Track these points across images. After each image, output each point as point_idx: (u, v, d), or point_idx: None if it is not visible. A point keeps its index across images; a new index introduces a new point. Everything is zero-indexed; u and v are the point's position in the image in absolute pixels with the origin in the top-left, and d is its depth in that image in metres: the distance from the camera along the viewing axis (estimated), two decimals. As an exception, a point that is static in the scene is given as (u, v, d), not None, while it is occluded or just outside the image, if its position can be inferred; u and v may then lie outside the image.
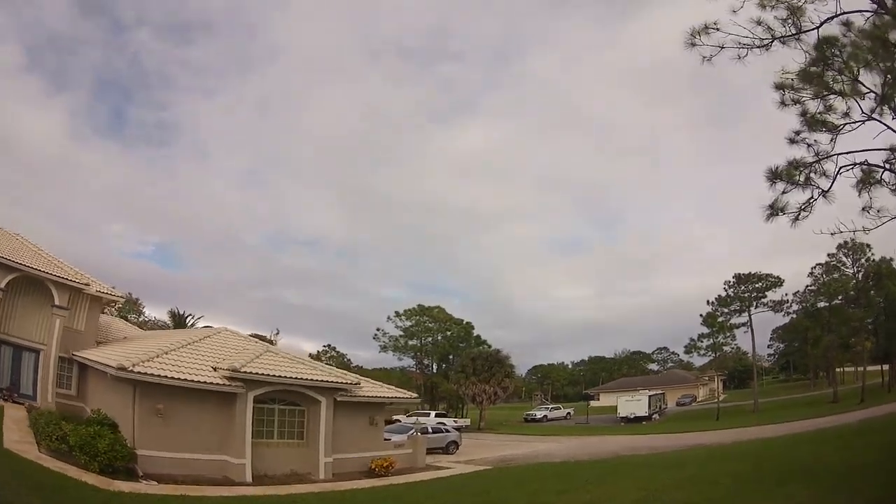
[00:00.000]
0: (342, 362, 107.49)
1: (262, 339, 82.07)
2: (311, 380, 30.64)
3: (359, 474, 31.04)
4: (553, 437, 62.44)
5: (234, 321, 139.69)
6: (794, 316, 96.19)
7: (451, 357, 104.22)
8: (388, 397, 36.62)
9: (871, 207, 17.82)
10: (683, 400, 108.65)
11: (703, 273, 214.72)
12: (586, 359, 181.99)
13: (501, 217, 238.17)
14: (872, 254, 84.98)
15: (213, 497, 21.90)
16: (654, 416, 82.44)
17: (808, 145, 18.69)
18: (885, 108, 17.21)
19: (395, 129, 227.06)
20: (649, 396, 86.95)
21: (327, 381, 31.54)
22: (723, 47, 17.99)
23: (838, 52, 17.51)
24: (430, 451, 41.75)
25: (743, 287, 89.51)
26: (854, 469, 19.65)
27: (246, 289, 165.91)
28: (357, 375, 38.18)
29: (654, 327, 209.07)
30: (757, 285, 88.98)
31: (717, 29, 17.89)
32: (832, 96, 18.09)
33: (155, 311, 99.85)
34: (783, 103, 18.58)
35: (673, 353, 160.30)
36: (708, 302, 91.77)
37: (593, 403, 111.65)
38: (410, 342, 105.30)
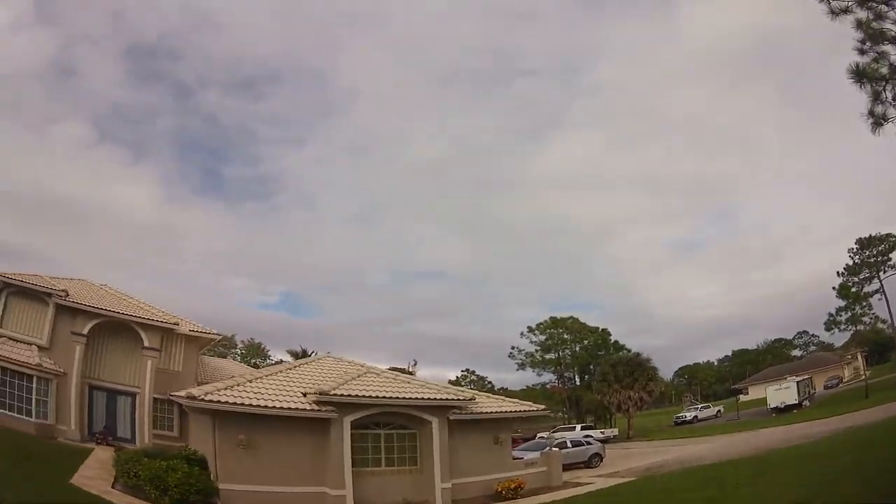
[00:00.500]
0: (482, 385, 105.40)
1: (401, 371, 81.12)
2: (415, 398, 26.96)
3: (483, 499, 27.40)
4: (704, 437, 57.84)
5: (372, 359, 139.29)
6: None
7: (591, 367, 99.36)
8: (511, 412, 32.24)
9: None
10: (830, 382, 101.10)
11: (825, 251, 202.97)
12: (730, 354, 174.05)
13: (618, 225, 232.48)
14: None
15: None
16: (804, 403, 75.80)
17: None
18: None
19: (486, 153, 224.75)
20: (797, 383, 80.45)
21: (434, 399, 27.70)
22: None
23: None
24: (572, 467, 38.32)
25: (867, 252, 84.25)
26: None
27: (379, 326, 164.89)
28: (472, 391, 34.55)
29: (787, 314, 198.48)
30: (881, 247, 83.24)
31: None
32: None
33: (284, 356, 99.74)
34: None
35: (813, 335, 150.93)
36: (838, 273, 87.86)
37: (742, 398, 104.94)
38: (547, 356, 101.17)
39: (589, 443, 44.57)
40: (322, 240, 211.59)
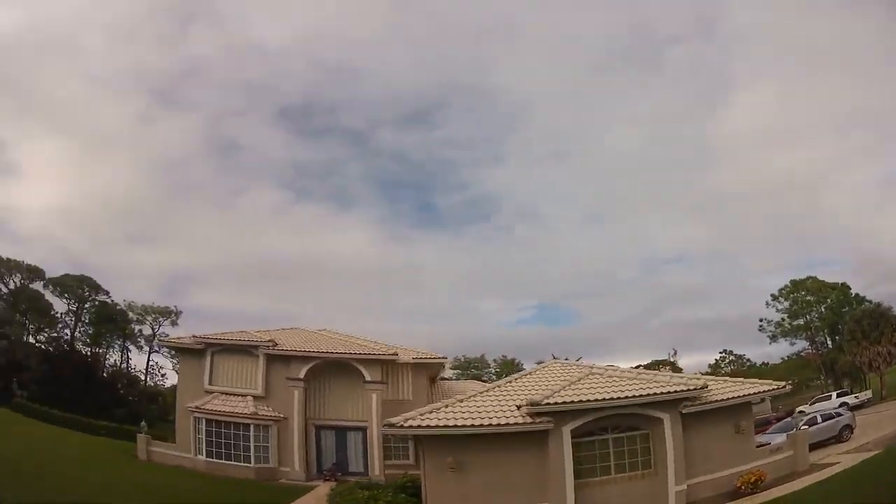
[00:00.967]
0: (741, 364, 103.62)
1: (662, 364, 79.53)
2: (639, 396, 24.33)
3: (721, 498, 24.58)
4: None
5: (631, 356, 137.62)
6: None
7: (839, 326, 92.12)
8: (751, 394, 28.80)
9: None
10: None
11: None
12: None
13: (827, 172, 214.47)
14: None
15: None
16: None
17: None
18: None
19: (673, 129, 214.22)
20: None
21: (661, 394, 24.82)
22: None
23: None
24: (824, 444, 34.40)
25: None
26: None
27: (636, 321, 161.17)
28: (704, 377, 31.69)
29: None
30: None
31: None
32: None
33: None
34: None
35: None
36: None
37: None
38: (795, 322, 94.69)
39: (839, 414, 40.21)
40: (558, 247, 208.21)
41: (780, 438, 31.30)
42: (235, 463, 37.26)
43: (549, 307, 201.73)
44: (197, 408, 38.45)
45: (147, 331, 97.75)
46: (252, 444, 37.73)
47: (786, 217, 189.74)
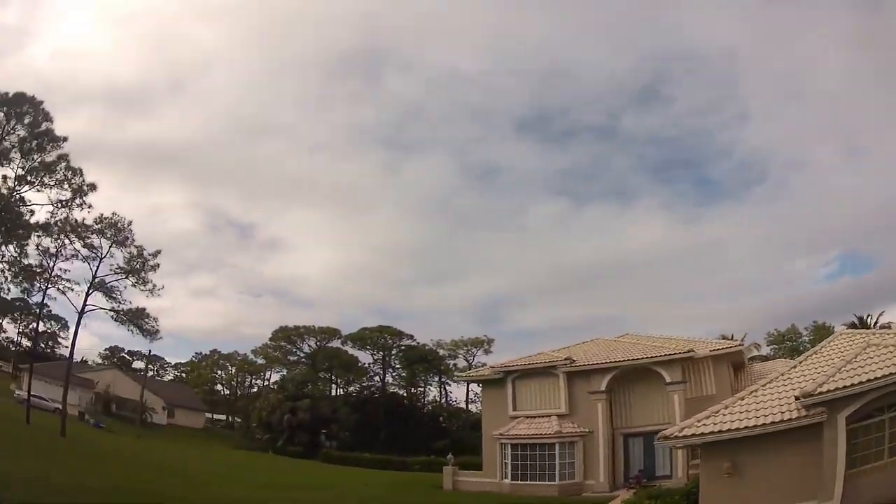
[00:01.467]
0: None
1: None
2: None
3: None
4: None
5: None
6: None
7: None
8: None
9: None
10: None
11: None
12: None
13: None
14: None
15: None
16: None
17: None
18: None
19: None
20: None
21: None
22: None
23: None
24: None
25: None
26: None
27: None
28: None
29: None
30: None
31: None
32: None
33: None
34: None
35: None
36: None
37: None
38: None
39: None
40: (839, 187, 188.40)
41: None
42: (540, 483, 39.21)
43: (849, 255, 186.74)
44: (502, 434, 41.12)
45: (462, 363, 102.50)
46: (557, 462, 39.41)
47: None
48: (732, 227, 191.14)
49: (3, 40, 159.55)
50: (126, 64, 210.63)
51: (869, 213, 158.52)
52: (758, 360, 52.74)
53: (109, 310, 60.42)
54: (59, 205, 54.58)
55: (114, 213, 57.59)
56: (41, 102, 51.62)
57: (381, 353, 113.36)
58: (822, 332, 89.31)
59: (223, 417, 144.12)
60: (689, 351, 40.19)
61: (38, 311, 69.66)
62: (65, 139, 52.84)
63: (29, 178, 52.02)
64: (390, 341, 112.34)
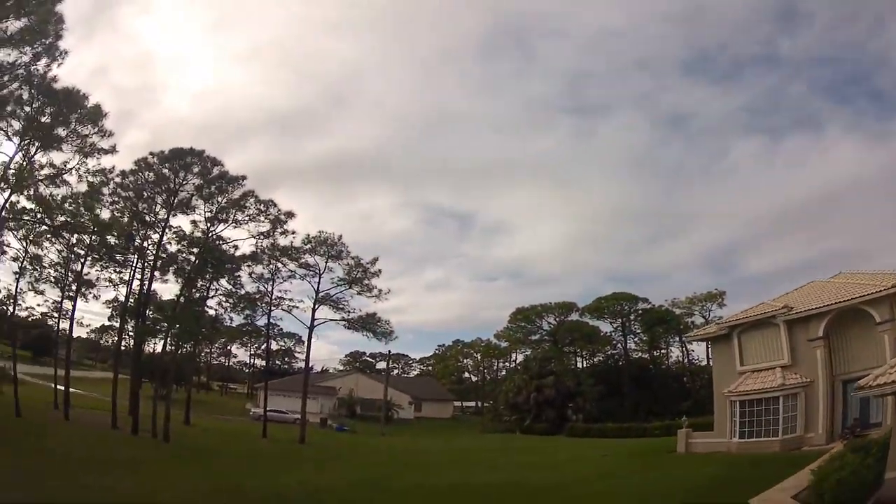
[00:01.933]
0: None
1: None
2: None
3: None
4: None
5: None
6: None
7: None
8: None
9: None
10: None
11: None
12: None
13: None
14: None
15: None
16: None
17: None
18: None
19: None
20: None
21: None
22: None
23: None
24: None
25: None
26: None
27: None
28: None
29: None
30: None
31: None
32: None
33: None
34: None
35: None
36: None
37: None
38: None
39: None
40: None
41: None
42: (763, 439, 36.96)
43: None
44: (730, 391, 39.20)
45: (699, 320, 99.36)
46: (780, 417, 36.91)
47: None
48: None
49: (133, 100, 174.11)
50: (276, 92, 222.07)
51: None
52: None
53: (339, 320, 63.95)
54: (261, 236, 58.03)
55: (320, 232, 60.65)
56: (202, 151, 54.45)
57: (619, 319, 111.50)
58: None
59: (472, 404, 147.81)
60: (893, 286, 35.64)
61: (265, 332, 73.90)
62: (243, 177, 55.53)
63: (220, 217, 55.14)
64: (627, 307, 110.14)
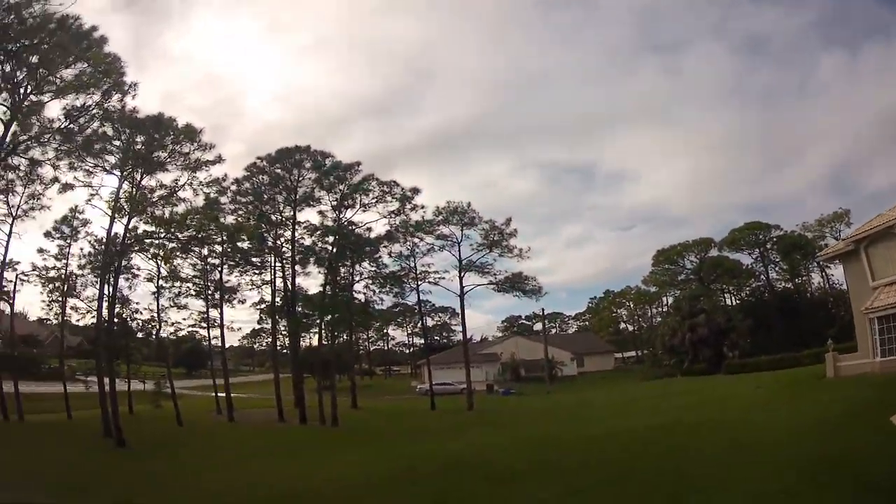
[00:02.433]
0: None
1: None
2: None
3: None
4: None
5: None
6: None
7: None
8: None
9: None
10: None
11: None
12: None
13: None
14: None
15: None
16: None
17: None
18: None
19: None
20: None
21: None
22: None
23: None
24: None
25: None
26: None
27: None
28: None
29: None
30: None
31: None
32: None
33: None
34: None
35: None
36: None
37: None
38: None
39: None
40: None
41: None
42: (902, 356, 35.43)
43: None
44: (867, 308, 37.79)
45: (831, 242, 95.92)
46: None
47: None
48: None
49: (216, 117, 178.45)
50: (358, 78, 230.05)
51: None
52: None
53: (487, 284, 65.72)
54: (392, 215, 60.10)
55: (448, 202, 61.84)
56: (308, 146, 56.29)
57: (756, 250, 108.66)
58: None
59: (632, 354, 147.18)
60: None
61: (418, 309, 75.77)
62: (358, 163, 57.36)
63: (346, 203, 57.12)
64: (762, 236, 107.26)
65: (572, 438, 28.76)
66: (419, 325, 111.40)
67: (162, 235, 45.44)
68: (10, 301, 53.49)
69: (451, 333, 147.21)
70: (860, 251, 39.82)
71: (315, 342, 63.81)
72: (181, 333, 61.24)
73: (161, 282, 52.54)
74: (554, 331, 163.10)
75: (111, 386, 38.90)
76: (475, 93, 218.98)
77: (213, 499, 20.76)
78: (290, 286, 56.90)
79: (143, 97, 49.74)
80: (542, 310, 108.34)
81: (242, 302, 59.86)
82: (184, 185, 43.64)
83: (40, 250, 51.18)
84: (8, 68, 33.43)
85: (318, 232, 56.76)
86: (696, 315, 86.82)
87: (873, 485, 12.89)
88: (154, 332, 58.42)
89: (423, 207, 60.67)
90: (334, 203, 56.65)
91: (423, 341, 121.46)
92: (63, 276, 51.32)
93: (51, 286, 52.03)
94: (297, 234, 56.24)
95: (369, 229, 59.21)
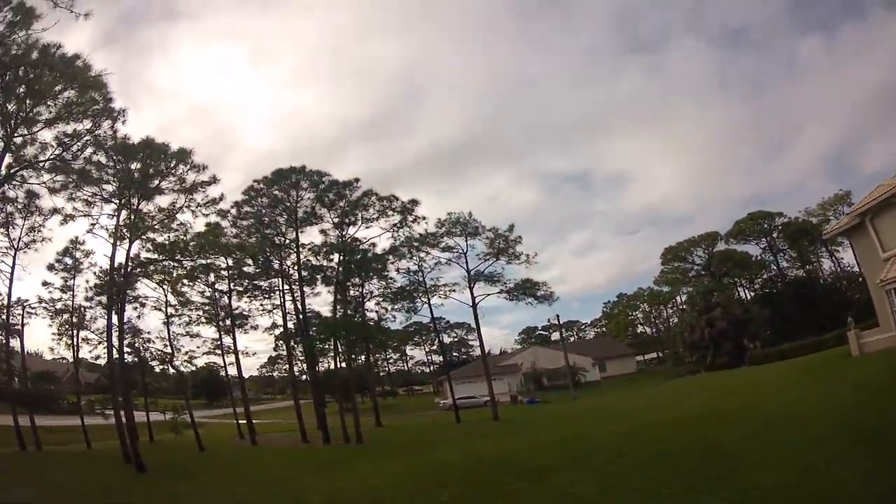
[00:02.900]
0: None
1: None
2: None
3: None
4: None
5: None
6: None
7: None
8: None
9: None
10: None
11: None
12: None
13: None
14: None
15: None
16: None
17: None
18: None
19: None
20: None
21: None
22: None
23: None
24: None
25: None
26: None
27: None
28: None
29: None
30: None
31: None
32: None
33: None
34: None
35: None
36: None
37: None
38: None
39: None
40: None
41: None
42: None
43: None
44: (882, 280, 37.14)
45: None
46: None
47: None
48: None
49: (210, 148, 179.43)
50: (347, 102, 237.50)
51: None
52: None
53: (498, 292, 64.65)
54: (394, 228, 59.48)
55: (450, 213, 61.61)
56: (303, 167, 55.60)
57: (763, 239, 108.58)
58: None
59: (653, 355, 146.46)
60: None
61: (432, 325, 75.51)
62: (357, 179, 56.83)
63: (347, 220, 56.87)
64: (766, 225, 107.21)
65: (604, 435, 28.45)
66: (436, 342, 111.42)
67: (164, 260, 45.76)
68: (20, 333, 53.38)
69: (468, 349, 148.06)
70: (866, 224, 39.21)
71: (332, 365, 63.45)
72: (196, 361, 60.71)
73: (170, 310, 52.90)
74: (572, 339, 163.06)
75: (128, 416, 38.59)
76: (466, 108, 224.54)
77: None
78: (300, 307, 56.40)
79: (134, 131, 49.33)
80: (557, 316, 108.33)
81: (255, 328, 59.55)
82: (181, 207, 43.38)
83: (45, 283, 50.89)
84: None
85: (324, 250, 56.59)
86: (711, 309, 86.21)
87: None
88: (168, 361, 57.86)
89: (424, 219, 60.21)
90: (336, 220, 56.51)
91: (441, 358, 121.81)
92: (70, 307, 51.04)
93: (59, 319, 51.61)
94: (301, 255, 55.99)
95: (374, 245, 58.99)
